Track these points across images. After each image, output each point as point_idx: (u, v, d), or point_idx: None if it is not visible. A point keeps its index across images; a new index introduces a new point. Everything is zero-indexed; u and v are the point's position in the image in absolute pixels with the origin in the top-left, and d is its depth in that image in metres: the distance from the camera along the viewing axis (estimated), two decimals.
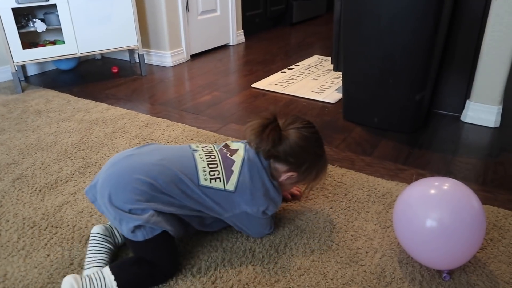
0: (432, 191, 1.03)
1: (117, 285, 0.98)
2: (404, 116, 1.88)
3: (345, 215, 1.31)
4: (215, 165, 1.09)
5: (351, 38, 1.89)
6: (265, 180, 1.11)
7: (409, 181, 1.50)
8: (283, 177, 1.15)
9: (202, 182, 1.07)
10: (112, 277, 0.98)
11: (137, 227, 1.00)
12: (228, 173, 1.09)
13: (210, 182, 1.07)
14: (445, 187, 1.03)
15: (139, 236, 1.01)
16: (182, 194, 1.05)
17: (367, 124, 1.98)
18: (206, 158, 1.11)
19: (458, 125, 1.97)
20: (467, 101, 1.99)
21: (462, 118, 2.01)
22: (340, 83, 2.41)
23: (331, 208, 1.34)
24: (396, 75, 1.81)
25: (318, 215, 1.31)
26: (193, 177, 1.06)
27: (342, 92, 2.06)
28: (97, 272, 1.00)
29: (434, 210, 0.99)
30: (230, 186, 1.08)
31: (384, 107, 1.90)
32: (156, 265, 1.04)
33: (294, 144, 1.10)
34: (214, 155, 1.12)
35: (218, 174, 1.08)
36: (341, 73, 2.06)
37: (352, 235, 1.22)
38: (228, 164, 1.10)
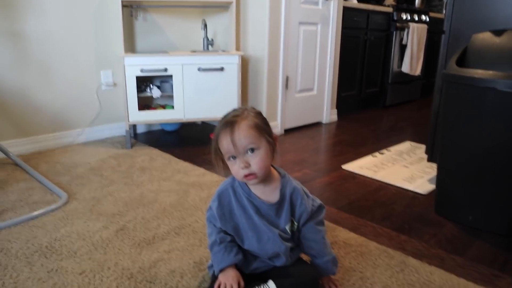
0: None
1: None
2: (503, 218, 1.79)
3: None
4: None
5: (450, 131, 1.89)
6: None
7: None
8: None
9: None
10: None
11: None
12: None
13: None
14: None
15: None
16: None
17: (460, 221, 1.90)
18: None
19: None
20: None
21: None
22: (433, 174, 2.37)
23: None
24: (496, 174, 1.75)
25: None
26: None
27: (436, 184, 2.02)
28: None
29: None
30: None
31: (480, 206, 1.83)
32: None
33: None
34: None
35: None
36: (435, 163, 2.04)
37: None
38: None
